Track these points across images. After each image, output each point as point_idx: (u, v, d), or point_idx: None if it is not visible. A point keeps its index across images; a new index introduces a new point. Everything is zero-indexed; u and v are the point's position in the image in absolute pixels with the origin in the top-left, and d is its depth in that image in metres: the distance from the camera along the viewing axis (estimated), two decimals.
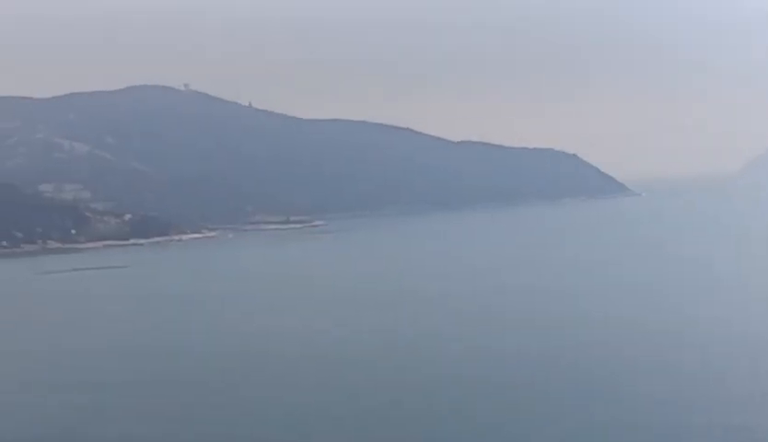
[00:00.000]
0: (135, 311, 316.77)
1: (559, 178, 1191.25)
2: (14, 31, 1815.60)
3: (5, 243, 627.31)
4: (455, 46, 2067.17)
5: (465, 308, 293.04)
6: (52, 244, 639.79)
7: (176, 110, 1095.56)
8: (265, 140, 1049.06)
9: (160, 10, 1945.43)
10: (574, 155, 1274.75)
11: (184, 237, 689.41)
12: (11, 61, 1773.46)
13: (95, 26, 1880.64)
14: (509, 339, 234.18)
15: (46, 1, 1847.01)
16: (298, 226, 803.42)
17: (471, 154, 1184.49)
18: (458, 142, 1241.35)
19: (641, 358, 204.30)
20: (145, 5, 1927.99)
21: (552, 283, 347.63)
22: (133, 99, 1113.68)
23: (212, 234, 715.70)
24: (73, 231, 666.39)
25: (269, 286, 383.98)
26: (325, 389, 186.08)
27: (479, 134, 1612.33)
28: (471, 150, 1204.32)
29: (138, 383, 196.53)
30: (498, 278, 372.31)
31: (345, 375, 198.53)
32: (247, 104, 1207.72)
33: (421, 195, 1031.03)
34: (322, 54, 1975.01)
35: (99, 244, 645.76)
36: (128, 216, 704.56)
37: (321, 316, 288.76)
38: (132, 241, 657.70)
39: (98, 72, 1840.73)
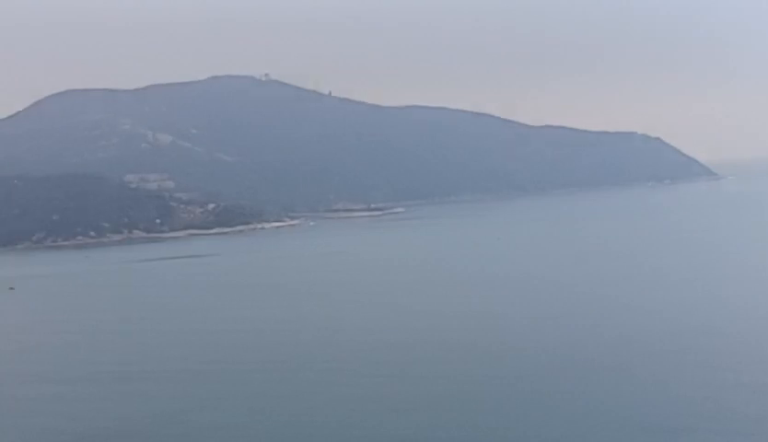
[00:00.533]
0: (231, 299, 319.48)
1: (642, 161, 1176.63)
2: (98, 24, 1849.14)
3: (92, 233, 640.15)
4: (533, 31, 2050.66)
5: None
6: (138, 234, 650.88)
7: (257, 100, 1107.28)
8: (345, 128, 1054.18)
9: (237, 1, 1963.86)
10: (657, 138, 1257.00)
11: (267, 225, 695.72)
12: (97, 53, 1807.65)
13: (178, 17, 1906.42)
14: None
15: None
16: (379, 213, 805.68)
17: (552, 138, 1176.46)
18: (539, 126, 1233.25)
19: None
20: None
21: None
22: (216, 90, 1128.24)
23: (294, 222, 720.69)
24: (158, 221, 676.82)
25: (360, 272, 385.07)
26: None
27: (560, 119, 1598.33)
28: (552, 135, 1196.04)
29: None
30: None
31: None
32: (327, 93, 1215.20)
33: (502, 180, 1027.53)
34: (401, 41, 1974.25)
35: (184, 233, 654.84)
36: (211, 206, 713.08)
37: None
38: (215, 230, 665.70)
39: (181, 63, 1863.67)
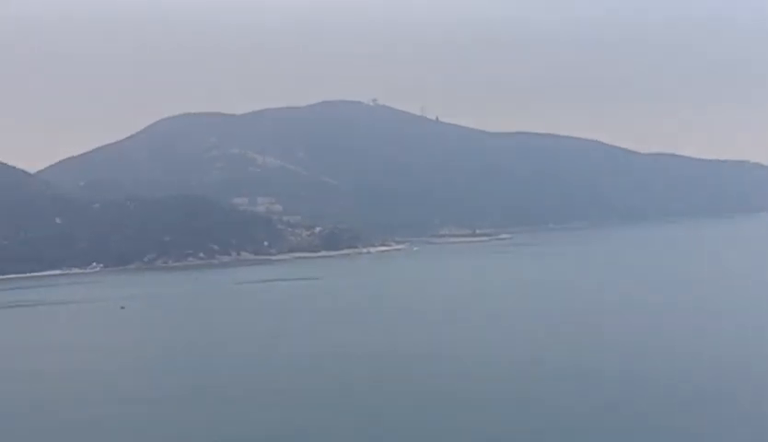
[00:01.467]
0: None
1: (755, 190, 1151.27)
2: (211, 49, 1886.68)
3: (201, 254, 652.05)
4: (643, 59, 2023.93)
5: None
6: (246, 255, 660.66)
7: (365, 124, 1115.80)
8: (452, 153, 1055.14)
9: (348, 26, 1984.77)
10: None
11: (372, 249, 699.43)
12: (210, 77, 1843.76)
13: (289, 42, 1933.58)
14: None
15: (239, 17, 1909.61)
16: (485, 238, 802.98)
17: (661, 166, 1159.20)
18: (648, 154, 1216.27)
19: None
20: (334, 20, 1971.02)
21: None
22: (325, 114, 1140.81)
23: (399, 246, 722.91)
24: (265, 243, 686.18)
25: (468, 297, 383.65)
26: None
27: (670, 146, 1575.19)
28: (661, 162, 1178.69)
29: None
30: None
31: None
32: (434, 118, 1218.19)
33: (610, 208, 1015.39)
34: (508, 67, 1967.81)
35: (290, 256, 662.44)
36: (318, 229, 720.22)
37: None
38: (322, 253, 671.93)
39: (291, 88, 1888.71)
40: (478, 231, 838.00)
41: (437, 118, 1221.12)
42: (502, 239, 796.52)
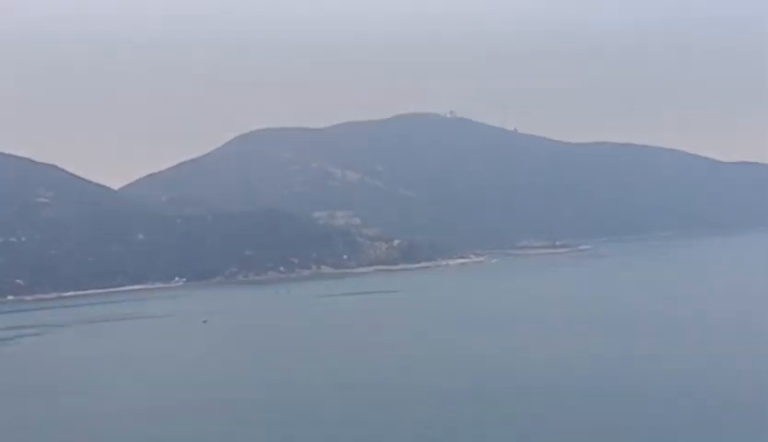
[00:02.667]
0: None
1: None
2: (292, 64, 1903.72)
3: (282, 268, 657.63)
4: (724, 65, 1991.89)
5: None
6: (326, 269, 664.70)
7: (442, 137, 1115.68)
8: (530, 164, 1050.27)
9: (425, 39, 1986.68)
10: None
11: (451, 261, 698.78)
12: (290, 92, 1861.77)
13: (367, 56, 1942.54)
14: None
15: (316, 32, 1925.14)
16: (565, 250, 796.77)
17: (746, 174, 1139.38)
18: (732, 162, 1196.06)
19: None
20: (409, 33, 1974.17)
21: None
22: (402, 127, 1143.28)
23: (478, 259, 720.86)
24: (345, 256, 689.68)
25: (552, 309, 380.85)
26: None
27: (755, 154, 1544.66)
28: (746, 171, 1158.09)
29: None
30: None
31: None
32: (512, 129, 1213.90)
33: (693, 218, 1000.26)
34: (586, 77, 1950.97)
35: (370, 269, 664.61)
36: (397, 242, 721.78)
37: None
38: (401, 266, 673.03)
39: (369, 102, 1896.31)
40: (558, 242, 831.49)
41: (516, 129, 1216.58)
42: (582, 250, 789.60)
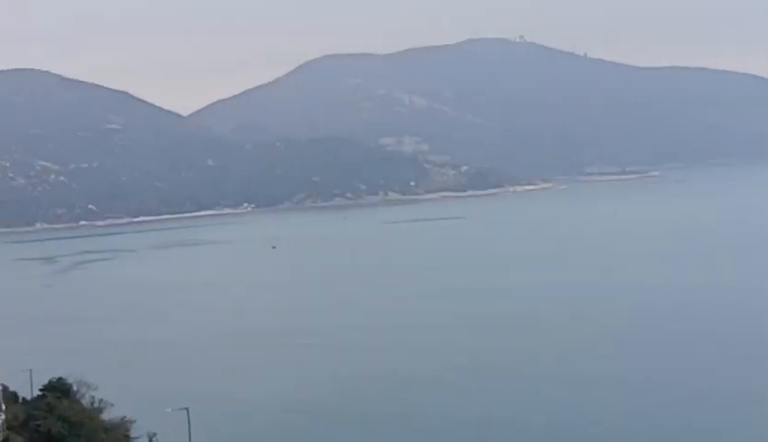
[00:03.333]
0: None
1: None
2: None
3: (349, 195, 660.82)
4: None
5: None
6: (393, 195, 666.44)
7: (511, 62, 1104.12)
8: (600, 90, 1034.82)
9: None
10: None
11: (518, 188, 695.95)
12: (356, 18, 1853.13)
13: None
14: None
15: None
16: (634, 176, 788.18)
17: None
18: None
19: None
20: None
21: None
22: (471, 53, 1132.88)
23: (546, 185, 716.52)
24: (412, 183, 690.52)
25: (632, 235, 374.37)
26: None
27: None
28: None
29: None
30: None
31: None
32: (582, 54, 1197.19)
33: (765, 144, 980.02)
34: (660, 2, 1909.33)
35: (437, 195, 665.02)
36: (464, 168, 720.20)
37: None
38: (468, 193, 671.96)
39: (436, 27, 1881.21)
40: (627, 169, 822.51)
41: (586, 54, 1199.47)
42: (652, 177, 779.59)
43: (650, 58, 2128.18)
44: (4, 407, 78.90)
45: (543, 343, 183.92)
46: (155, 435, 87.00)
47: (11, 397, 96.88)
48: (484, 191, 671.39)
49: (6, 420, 78.02)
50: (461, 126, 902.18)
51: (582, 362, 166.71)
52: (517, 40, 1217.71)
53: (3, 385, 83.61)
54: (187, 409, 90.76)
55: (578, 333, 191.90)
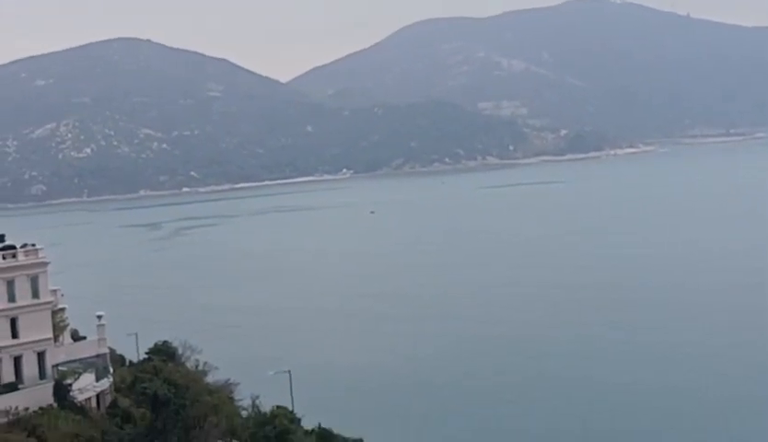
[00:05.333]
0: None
1: None
2: None
3: (447, 160, 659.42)
4: None
5: None
6: (491, 160, 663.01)
7: (612, 24, 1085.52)
8: (704, 50, 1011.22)
9: None
10: None
11: (619, 151, 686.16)
12: None
13: None
14: None
15: None
16: (739, 138, 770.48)
17: None
18: None
19: None
20: None
21: None
22: (570, 14, 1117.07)
23: (648, 148, 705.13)
24: (510, 147, 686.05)
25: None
26: None
27: None
28: None
29: None
30: None
31: None
32: (685, 14, 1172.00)
33: None
34: None
35: (536, 160, 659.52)
36: (564, 132, 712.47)
37: None
38: (567, 156, 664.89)
39: None
40: (731, 131, 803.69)
41: (689, 14, 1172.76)
42: (759, 138, 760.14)
43: (755, 18, 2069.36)
44: (111, 370, 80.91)
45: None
46: (257, 397, 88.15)
47: (118, 360, 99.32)
48: (584, 155, 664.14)
49: (114, 382, 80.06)
50: (560, 89, 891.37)
51: None
52: (618, 0, 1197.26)
53: (110, 348, 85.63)
54: (289, 372, 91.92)
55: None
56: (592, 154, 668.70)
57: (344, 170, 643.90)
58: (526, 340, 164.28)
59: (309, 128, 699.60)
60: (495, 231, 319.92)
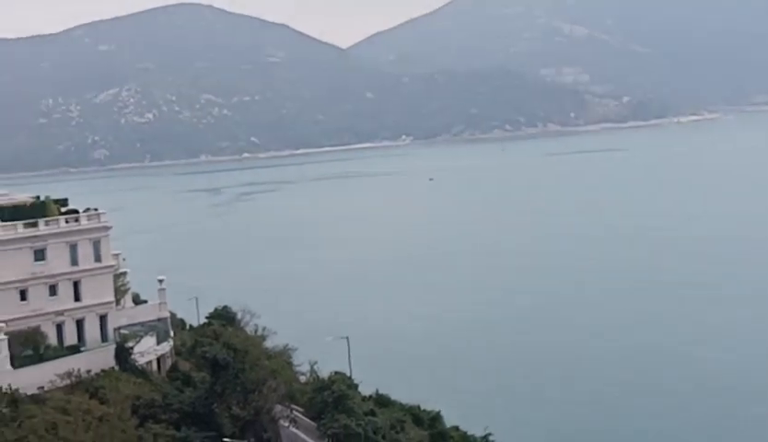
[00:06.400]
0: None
1: None
2: None
3: (508, 127, 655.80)
4: None
5: None
6: (552, 127, 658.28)
7: None
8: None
9: None
10: None
11: (682, 119, 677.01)
12: None
13: None
14: None
15: None
16: None
17: None
18: None
19: None
20: None
21: None
22: None
23: (712, 116, 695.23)
24: (572, 114, 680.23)
25: None
26: None
27: None
28: None
29: None
30: None
31: None
32: None
33: None
34: None
35: (597, 127, 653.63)
36: (626, 99, 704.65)
37: None
38: (629, 124, 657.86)
39: None
40: None
41: None
42: None
43: None
44: (172, 333, 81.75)
45: None
46: (316, 362, 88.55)
47: (179, 324, 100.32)
48: (646, 122, 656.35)
49: (174, 346, 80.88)
50: (623, 55, 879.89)
51: None
52: None
53: (171, 312, 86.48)
54: (347, 337, 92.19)
55: None
56: (654, 121, 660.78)
57: (404, 137, 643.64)
58: (594, 309, 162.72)
59: (369, 94, 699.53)
60: (555, 199, 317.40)
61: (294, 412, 78.05)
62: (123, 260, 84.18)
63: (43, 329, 71.12)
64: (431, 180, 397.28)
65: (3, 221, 72.47)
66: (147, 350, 75.79)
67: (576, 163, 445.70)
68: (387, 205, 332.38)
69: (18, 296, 71.15)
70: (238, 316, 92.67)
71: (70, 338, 72.86)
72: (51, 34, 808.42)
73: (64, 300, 72.91)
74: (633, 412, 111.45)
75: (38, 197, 78.56)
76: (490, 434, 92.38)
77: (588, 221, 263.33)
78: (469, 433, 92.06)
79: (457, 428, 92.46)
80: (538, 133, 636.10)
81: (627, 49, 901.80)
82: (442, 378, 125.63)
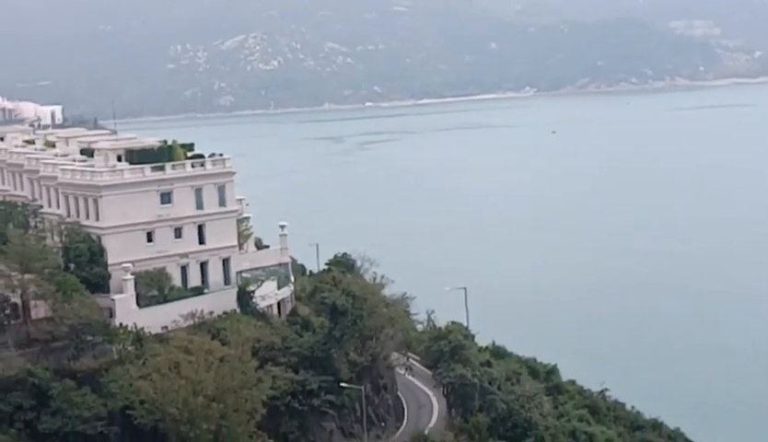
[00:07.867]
0: None
1: None
2: None
3: (634, 80, 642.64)
4: None
5: None
6: (680, 81, 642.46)
7: None
8: None
9: None
10: None
11: None
12: None
13: None
14: None
15: None
16: None
17: None
18: None
19: None
20: None
21: None
22: None
23: None
24: (701, 68, 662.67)
25: None
26: None
27: None
28: None
29: None
30: None
31: None
32: None
33: None
34: None
35: (727, 81, 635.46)
36: (758, 54, 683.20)
37: None
38: (760, 79, 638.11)
39: None
40: None
41: None
42: None
43: None
44: (293, 279, 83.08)
45: None
46: (433, 312, 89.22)
47: (299, 269, 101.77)
48: None
49: (295, 291, 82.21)
50: (756, 8, 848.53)
51: None
52: None
53: (292, 258, 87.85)
54: (465, 288, 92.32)
55: None
56: None
57: (528, 88, 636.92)
58: (724, 276, 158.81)
59: (494, 45, 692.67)
60: (680, 156, 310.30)
61: (410, 359, 78.94)
62: (246, 205, 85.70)
63: (168, 270, 73.05)
64: (554, 132, 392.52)
65: (131, 164, 74.49)
66: (268, 294, 77.28)
67: (703, 119, 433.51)
68: (509, 158, 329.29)
69: (145, 237, 73.21)
70: (358, 263, 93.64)
71: (194, 280, 74.67)
72: None
73: (189, 243, 74.72)
74: (755, 378, 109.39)
75: (165, 141, 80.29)
76: (607, 389, 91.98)
77: (716, 182, 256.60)
78: (585, 387, 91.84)
79: (573, 382, 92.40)
80: (665, 86, 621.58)
81: (761, 2, 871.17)
82: (559, 333, 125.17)
